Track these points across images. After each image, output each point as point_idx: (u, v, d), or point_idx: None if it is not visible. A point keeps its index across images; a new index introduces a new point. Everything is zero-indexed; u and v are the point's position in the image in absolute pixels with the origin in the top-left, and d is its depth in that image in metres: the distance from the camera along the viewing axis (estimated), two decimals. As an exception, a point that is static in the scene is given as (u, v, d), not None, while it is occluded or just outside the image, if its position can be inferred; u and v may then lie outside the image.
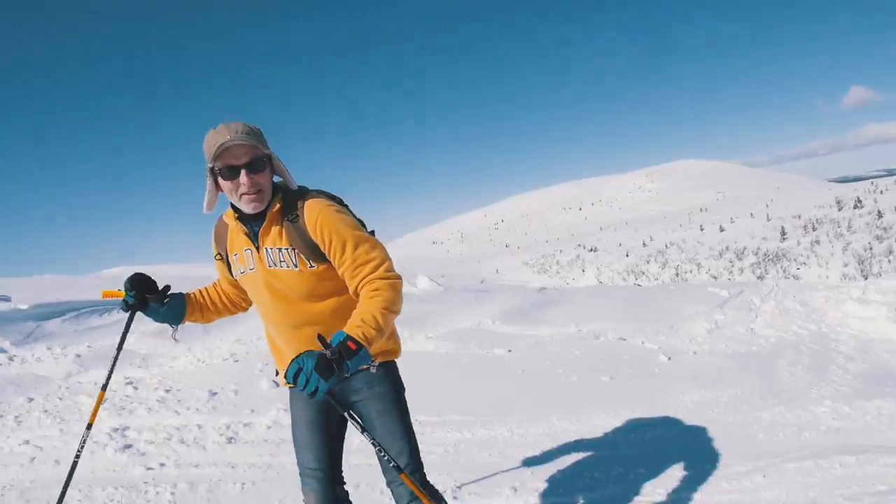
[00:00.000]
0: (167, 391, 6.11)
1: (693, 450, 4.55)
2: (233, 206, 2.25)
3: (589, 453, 4.66)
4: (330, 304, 2.26)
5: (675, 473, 4.08)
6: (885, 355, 8.27)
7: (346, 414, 2.14)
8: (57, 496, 3.96)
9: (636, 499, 3.71)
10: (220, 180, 2.15)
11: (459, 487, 3.91)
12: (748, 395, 6.40)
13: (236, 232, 2.30)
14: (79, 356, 7.44)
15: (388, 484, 2.40)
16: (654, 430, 5.18)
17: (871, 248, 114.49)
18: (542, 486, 3.97)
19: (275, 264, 2.21)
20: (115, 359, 2.69)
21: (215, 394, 6.03)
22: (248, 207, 2.16)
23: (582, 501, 3.72)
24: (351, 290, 2.20)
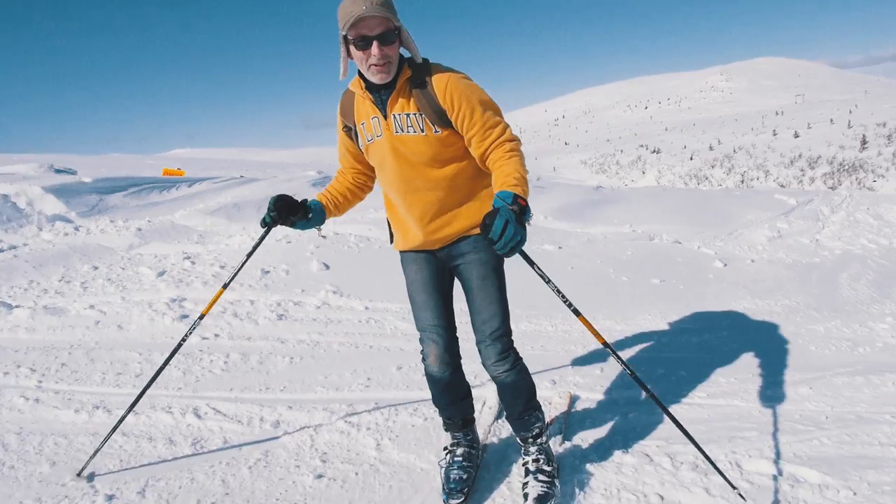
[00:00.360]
0: (222, 267, 6.33)
1: (739, 357, 4.46)
2: (360, 76, 2.35)
3: (632, 353, 4.64)
4: (450, 170, 2.40)
5: (717, 379, 4.03)
6: (959, 275, 7.82)
7: (531, 265, 2.30)
8: (120, 358, 4.22)
9: (675, 400, 3.69)
10: (352, 49, 2.23)
11: (498, 377, 3.96)
12: (804, 306, 6.19)
13: (363, 101, 2.40)
14: (139, 230, 7.73)
15: (478, 343, 2.60)
16: (701, 335, 5.09)
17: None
18: (581, 380, 3.98)
19: (402, 129, 2.33)
20: (243, 264, 2.92)
21: (268, 272, 6.21)
22: (376, 77, 2.26)
23: (618, 398, 3.73)
24: (478, 152, 2.34)
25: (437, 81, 2.27)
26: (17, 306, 5.14)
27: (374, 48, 2.17)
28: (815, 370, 4.20)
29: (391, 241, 2.74)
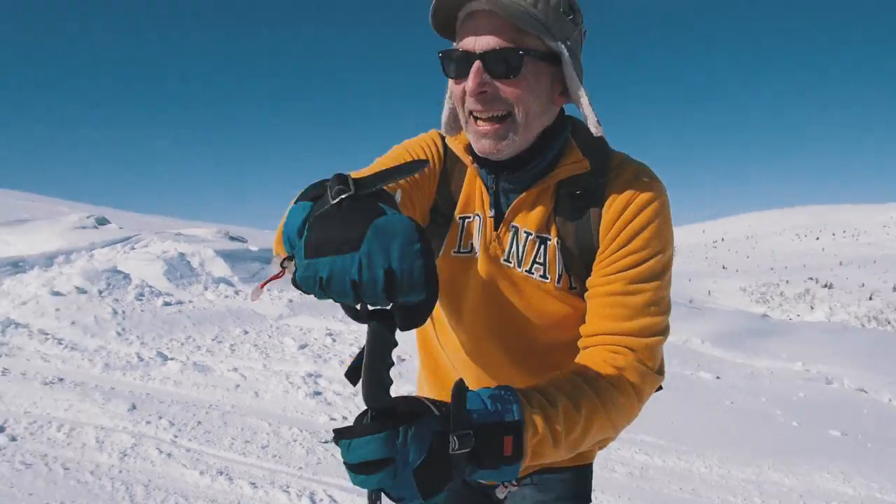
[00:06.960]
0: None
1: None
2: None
3: (807, 518, 3.88)
4: (557, 334, 1.24)
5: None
6: None
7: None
8: (251, 426, 4.20)
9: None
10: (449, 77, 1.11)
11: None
12: None
13: (473, 180, 1.22)
14: (291, 301, 8.06)
15: None
16: (897, 510, 4.18)
17: None
18: (743, 542, 3.34)
19: (518, 262, 1.18)
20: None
21: (404, 360, 6.10)
22: (478, 144, 1.09)
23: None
24: (588, 324, 1.14)
25: (622, 197, 1.12)
26: (171, 359, 5.41)
27: (472, 77, 1.02)
28: None
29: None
